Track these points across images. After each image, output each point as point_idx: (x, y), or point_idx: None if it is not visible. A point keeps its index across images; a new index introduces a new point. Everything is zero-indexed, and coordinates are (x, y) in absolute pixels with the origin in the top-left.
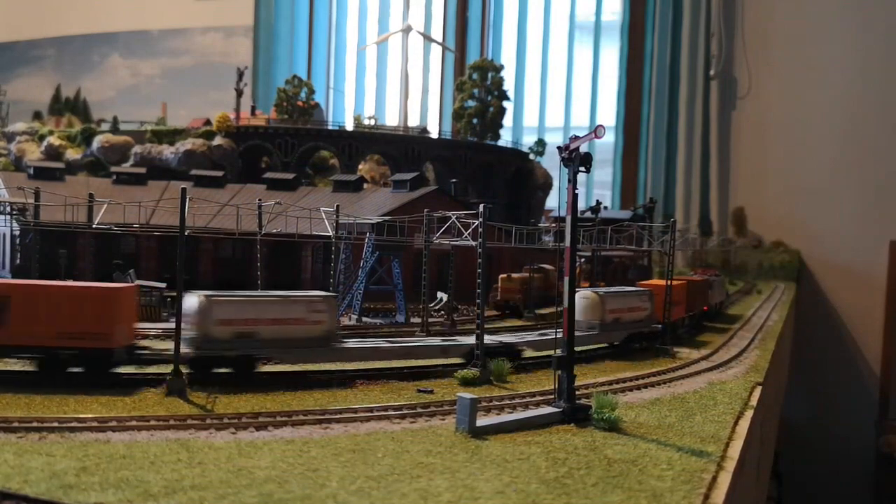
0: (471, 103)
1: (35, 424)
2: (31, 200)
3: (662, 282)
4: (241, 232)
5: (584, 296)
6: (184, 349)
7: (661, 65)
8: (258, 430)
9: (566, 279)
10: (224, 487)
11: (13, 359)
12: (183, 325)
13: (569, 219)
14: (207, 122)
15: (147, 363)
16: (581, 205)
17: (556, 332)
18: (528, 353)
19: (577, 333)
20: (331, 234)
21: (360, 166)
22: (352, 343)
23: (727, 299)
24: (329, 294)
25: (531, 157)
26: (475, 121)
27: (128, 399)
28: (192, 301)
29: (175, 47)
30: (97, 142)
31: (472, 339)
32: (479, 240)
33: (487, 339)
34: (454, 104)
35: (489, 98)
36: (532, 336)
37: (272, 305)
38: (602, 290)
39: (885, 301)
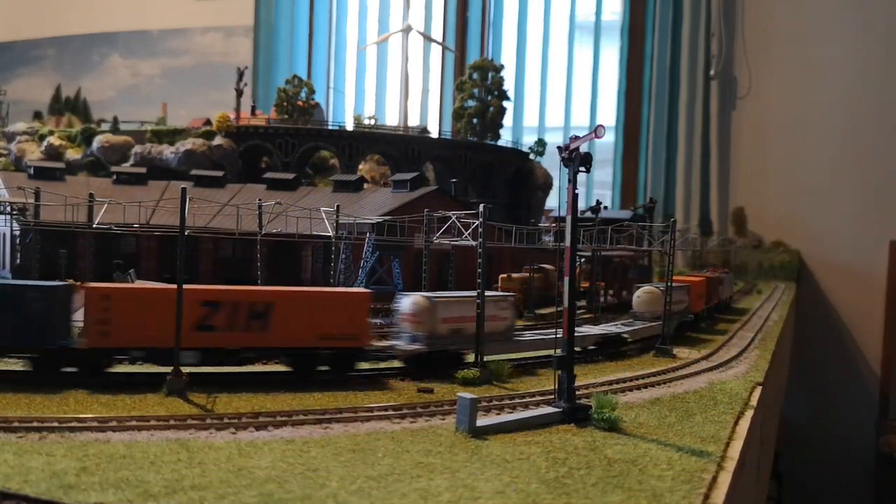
0: (471, 103)
1: (35, 424)
2: (32, 200)
3: (694, 277)
4: (241, 232)
5: (647, 290)
6: (407, 346)
7: (661, 65)
8: (258, 430)
9: (566, 279)
10: (224, 487)
11: (276, 360)
12: (402, 325)
13: (569, 219)
14: (207, 122)
15: (379, 360)
16: (581, 205)
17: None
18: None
19: (643, 325)
20: (331, 234)
21: (360, 166)
22: (526, 336)
23: (733, 294)
24: (510, 294)
25: (531, 157)
26: (475, 121)
27: (128, 399)
28: (417, 301)
29: (175, 47)
30: (97, 142)
31: (597, 329)
32: (479, 240)
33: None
34: (454, 104)
35: (489, 98)
36: (618, 326)
37: (474, 305)
38: (661, 285)
39: (885, 301)
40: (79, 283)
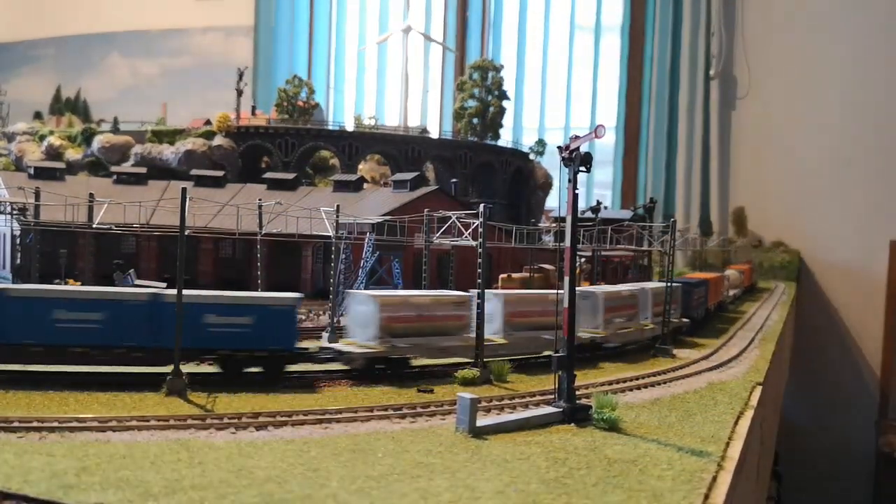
0: (471, 103)
1: (35, 424)
2: (32, 200)
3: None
4: (241, 232)
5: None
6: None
7: (661, 65)
8: (258, 430)
9: (566, 279)
10: (224, 487)
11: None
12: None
13: (569, 219)
14: (208, 122)
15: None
16: (581, 205)
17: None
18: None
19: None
20: (331, 234)
21: (361, 166)
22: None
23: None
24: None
25: (531, 157)
26: (475, 121)
27: (128, 399)
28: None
29: (175, 47)
30: (97, 142)
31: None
32: (480, 240)
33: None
34: (454, 104)
35: (489, 98)
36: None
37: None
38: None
39: (885, 301)
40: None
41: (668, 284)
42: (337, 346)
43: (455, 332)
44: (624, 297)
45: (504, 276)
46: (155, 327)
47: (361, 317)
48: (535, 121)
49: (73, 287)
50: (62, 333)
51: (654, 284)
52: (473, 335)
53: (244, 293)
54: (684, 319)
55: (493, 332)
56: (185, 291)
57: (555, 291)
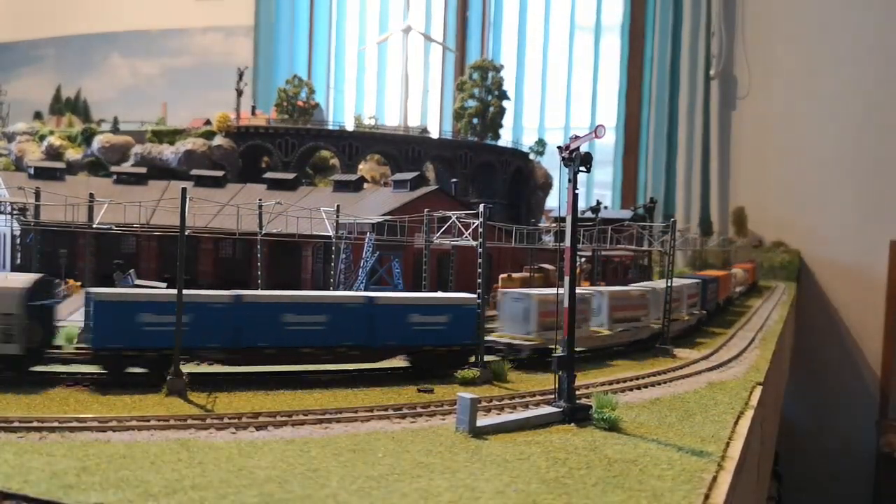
0: (471, 103)
1: (35, 424)
2: (32, 200)
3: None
4: (241, 232)
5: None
6: None
7: (661, 65)
8: (258, 430)
9: (566, 279)
10: (224, 487)
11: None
12: None
13: (569, 219)
14: (208, 122)
15: None
16: (581, 205)
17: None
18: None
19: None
20: (331, 234)
21: (361, 166)
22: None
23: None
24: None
25: (531, 157)
26: (475, 121)
27: (128, 399)
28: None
29: (175, 47)
30: (97, 142)
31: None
32: (480, 240)
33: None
34: (454, 104)
35: (489, 98)
36: None
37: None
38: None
39: (885, 301)
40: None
41: (669, 285)
42: (504, 339)
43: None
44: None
45: (504, 276)
46: (369, 328)
47: (518, 312)
48: (535, 121)
49: (299, 292)
50: (291, 336)
51: (686, 281)
52: (590, 328)
53: (438, 294)
54: (703, 311)
55: (599, 324)
56: (394, 294)
57: (644, 287)
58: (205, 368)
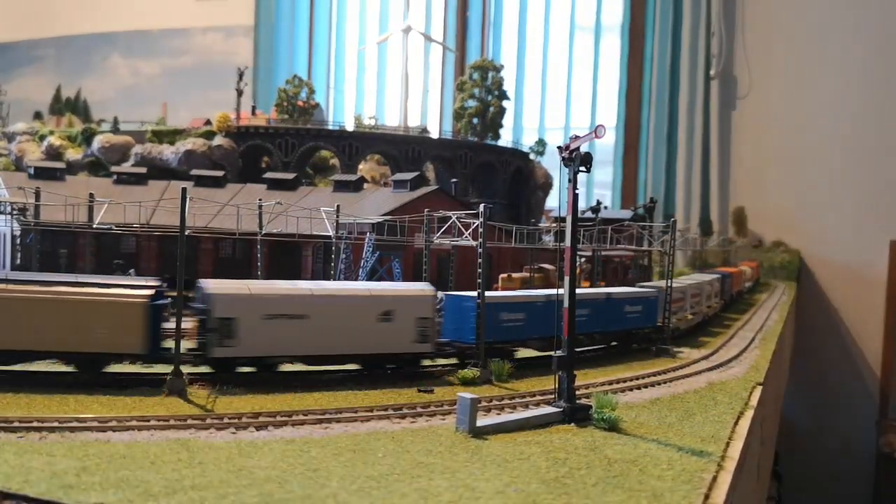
0: (471, 103)
1: (35, 424)
2: (32, 200)
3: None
4: (241, 232)
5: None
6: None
7: (661, 65)
8: (258, 430)
9: (566, 279)
10: (224, 487)
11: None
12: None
13: (569, 219)
14: (208, 122)
15: None
16: (581, 205)
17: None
18: None
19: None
20: (331, 233)
21: (361, 166)
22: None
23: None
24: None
25: (531, 157)
26: (475, 121)
27: (128, 399)
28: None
29: (175, 47)
30: (97, 142)
31: None
32: (480, 240)
33: None
34: (454, 104)
35: (489, 98)
36: None
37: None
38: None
39: (885, 301)
40: None
41: (669, 284)
42: None
43: (676, 311)
44: (701, 286)
45: (504, 276)
46: (551, 321)
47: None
48: (535, 121)
49: (509, 293)
50: (506, 331)
51: (707, 277)
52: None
53: (634, 289)
54: (722, 300)
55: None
56: (590, 290)
57: (712, 277)
58: (204, 369)
